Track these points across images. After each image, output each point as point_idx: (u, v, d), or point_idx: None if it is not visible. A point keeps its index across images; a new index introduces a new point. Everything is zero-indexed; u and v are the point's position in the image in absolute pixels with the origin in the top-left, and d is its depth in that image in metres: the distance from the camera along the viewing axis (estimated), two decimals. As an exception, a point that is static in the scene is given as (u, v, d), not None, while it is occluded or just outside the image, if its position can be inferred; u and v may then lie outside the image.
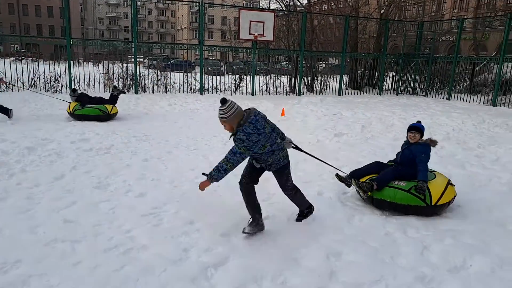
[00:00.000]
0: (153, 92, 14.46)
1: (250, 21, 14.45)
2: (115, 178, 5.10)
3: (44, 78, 13.71)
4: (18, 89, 12.79)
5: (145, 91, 14.42)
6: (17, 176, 5.00)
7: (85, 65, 16.36)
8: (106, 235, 3.60)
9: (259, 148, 3.35)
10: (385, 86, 18.36)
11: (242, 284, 2.92)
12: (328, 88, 17.11)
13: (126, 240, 3.52)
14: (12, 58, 16.83)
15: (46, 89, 13.49)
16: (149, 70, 16.04)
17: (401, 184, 4.20)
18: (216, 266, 3.13)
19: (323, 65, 20.61)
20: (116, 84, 14.15)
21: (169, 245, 3.45)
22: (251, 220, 3.66)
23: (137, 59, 14.28)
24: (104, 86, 14.35)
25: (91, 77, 14.36)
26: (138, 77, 14.24)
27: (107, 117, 9.05)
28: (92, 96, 9.66)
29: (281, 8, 20.88)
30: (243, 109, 3.36)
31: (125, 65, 14.88)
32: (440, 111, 12.31)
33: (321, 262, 3.24)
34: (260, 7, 31.04)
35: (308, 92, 17.09)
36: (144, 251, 3.35)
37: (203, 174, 3.42)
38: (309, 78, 17.39)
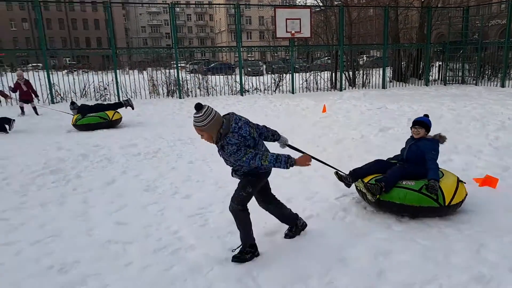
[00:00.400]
0: (195, 96, 14.80)
1: (286, 19, 14.41)
2: (162, 181, 5.28)
3: (94, 87, 14.45)
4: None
5: (188, 95, 14.79)
6: (72, 182, 5.30)
7: (131, 73, 17.03)
8: (155, 236, 3.73)
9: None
10: (432, 76, 17.60)
11: (289, 284, 2.91)
12: (371, 81, 16.67)
13: (174, 241, 3.62)
14: (65, 71, 17.89)
15: (97, 98, 14.19)
16: (191, 74, 16.43)
17: (410, 183, 3.85)
18: (262, 266, 3.14)
19: (365, 58, 20.11)
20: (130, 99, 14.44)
21: (215, 245, 3.52)
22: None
23: (179, 65, 14.69)
24: (149, 93, 14.87)
25: (137, 84, 14.93)
26: (181, 82, 14.64)
27: (109, 123, 9.00)
28: (92, 105, 9.59)
29: (317, 4, 20.62)
30: (222, 115, 2.98)
31: (168, 71, 15.36)
32: (493, 99, 11.61)
33: (369, 261, 3.16)
34: (296, 4, 30.82)
35: (350, 87, 16.76)
36: (191, 251, 3.44)
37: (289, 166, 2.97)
38: (350, 73, 17.04)
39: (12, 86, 11.28)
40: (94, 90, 14.42)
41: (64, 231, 3.87)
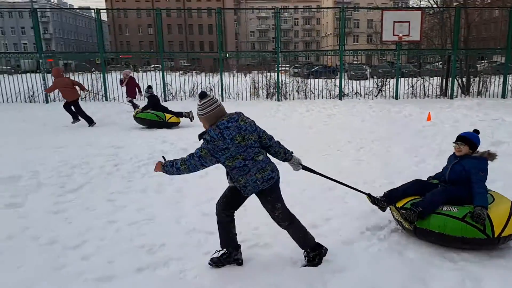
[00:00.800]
0: (293, 99, 14.96)
1: (394, 22, 13.73)
2: (249, 179, 5.47)
3: (201, 88, 15.55)
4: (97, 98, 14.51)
5: (286, 98, 15.02)
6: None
7: (238, 75, 17.89)
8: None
9: (226, 158, 2.81)
10: None
11: (360, 295, 2.81)
12: (488, 90, 14.97)
13: (252, 237, 3.75)
14: (180, 72, 19.59)
15: (202, 97, 15.22)
16: (292, 78, 16.64)
17: (452, 210, 3.32)
18: (334, 273, 3.08)
19: (485, 64, 18.11)
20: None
21: (291, 246, 3.53)
22: (222, 251, 3.24)
23: (283, 68, 15.02)
24: (250, 95, 15.46)
25: (240, 86, 15.63)
26: (280, 85, 14.94)
27: (163, 124, 9.45)
28: (160, 103, 10.15)
29: (431, 6, 19.18)
30: (233, 112, 2.92)
31: (269, 74, 15.79)
32: None
33: (454, 286, 2.89)
34: (408, 7, 29.06)
35: (462, 95, 15.27)
36: (266, 249, 3.53)
37: (163, 157, 3.14)
38: (464, 79, 15.51)
39: (122, 80, 12.56)
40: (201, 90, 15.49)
41: (158, 217, 4.28)
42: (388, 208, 3.75)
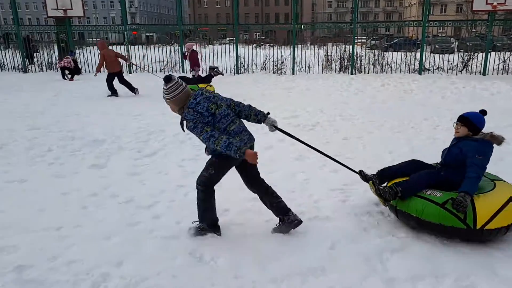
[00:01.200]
0: (368, 72, 14.33)
1: (489, -12, 12.32)
2: (313, 153, 5.44)
3: (273, 61, 15.50)
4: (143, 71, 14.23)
5: (360, 72, 14.44)
6: (238, 143, 5.99)
7: (312, 48, 17.49)
8: (297, 201, 3.96)
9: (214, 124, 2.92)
10: None
11: (420, 276, 2.73)
12: None
13: (313, 209, 3.79)
14: (253, 45, 19.65)
15: (274, 71, 15.21)
16: (369, 50, 15.87)
17: (436, 194, 3.09)
18: (393, 251, 3.02)
19: None
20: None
21: (351, 222, 3.53)
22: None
23: (360, 40, 14.35)
24: (322, 68, 15.10)
25: (313, 59, 15.30)
26: (355, 58, 14.36)
27: None
28: (190, 77, 10.24)
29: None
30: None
31: (344, 46, 15.21)
32: None
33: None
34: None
35: None
36: (326, 222, 3.55)
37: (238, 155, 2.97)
38: None
39: (185, 53, 12.80)
40: (273, 64, 15.47)
41: (224, 184, 4.42)
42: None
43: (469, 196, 2.92)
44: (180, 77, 10.80)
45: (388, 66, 14.38)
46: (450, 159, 3.30)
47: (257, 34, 30.08)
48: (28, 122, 7.37)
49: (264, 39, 21.57)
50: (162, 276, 2.76)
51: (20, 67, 16.12)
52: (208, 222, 3.30)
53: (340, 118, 7.48)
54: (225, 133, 2.93)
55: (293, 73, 14.73)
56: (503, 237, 3.11)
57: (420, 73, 13.74)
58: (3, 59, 16.44)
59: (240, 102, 3.23)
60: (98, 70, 10.75)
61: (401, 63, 14.23)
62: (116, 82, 10.40)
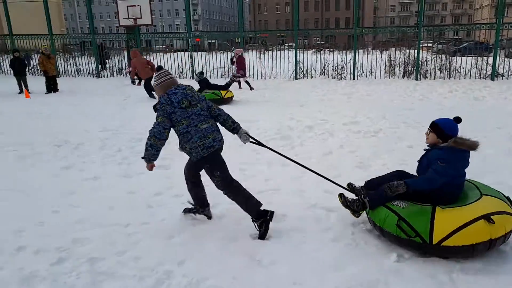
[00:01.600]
0: (434, 78, 13.63)
1: None
2: (376, 160, 5.32)
3: (333, 66, 15.27)
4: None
5: (425, 77, 13.78)
6: (296, 149, 5.98)
7: (373, 53, 17.02)
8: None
9: (174, 122, 3.18)
10: None
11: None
12: None
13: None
14: (313, 50, 19.51)
15: (334, 76, 14.98)
16: (435, 55, 15.10)
17: (400, 205, 3.04)
18: (462, 270, 2.83)
19: None
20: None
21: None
22: (193, 206, 3.75)
23: (426, 45, 13.74)
24: (384, 73, 14.60)
25: (375, 64, 14.86)
26: (420, 63, 13.74)
27: (221, 101, 9.56)
28: (211, 83, 10.45)
29: None
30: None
31: (407, 51, 14.62)
32: None
33: None
34: None
35: None
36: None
37: (142, 158, 3.37)
38: None
39: (233, 58, 13.22)
40: (333, 69, 15.24)
41: (282, 188, 4.49)
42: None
43: (405, 187, 3.02)
44: (205, 79, 10.93)
45: (456, 71, 13.58)
46: (422, 170, 3.21)
47: (317, 39, 29.83)
48: (101, 123, 7.91)
49: (324, 44, 21.33)
50: (223, 277, 2.82)
51: (94, 72, 17.39)
52: (256, 208, 3.39)
53: (404, 125, 7.17)
54: (196, 129, 3.21)
55: (354, 78, 14.41)
56: None
57: (492, 79, 12.81)
58: (79, 65, 17.84)
59: (222, 109, 3.52)
60: (132, 77, 12.03)
61: (471, 68, 13.37)
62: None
